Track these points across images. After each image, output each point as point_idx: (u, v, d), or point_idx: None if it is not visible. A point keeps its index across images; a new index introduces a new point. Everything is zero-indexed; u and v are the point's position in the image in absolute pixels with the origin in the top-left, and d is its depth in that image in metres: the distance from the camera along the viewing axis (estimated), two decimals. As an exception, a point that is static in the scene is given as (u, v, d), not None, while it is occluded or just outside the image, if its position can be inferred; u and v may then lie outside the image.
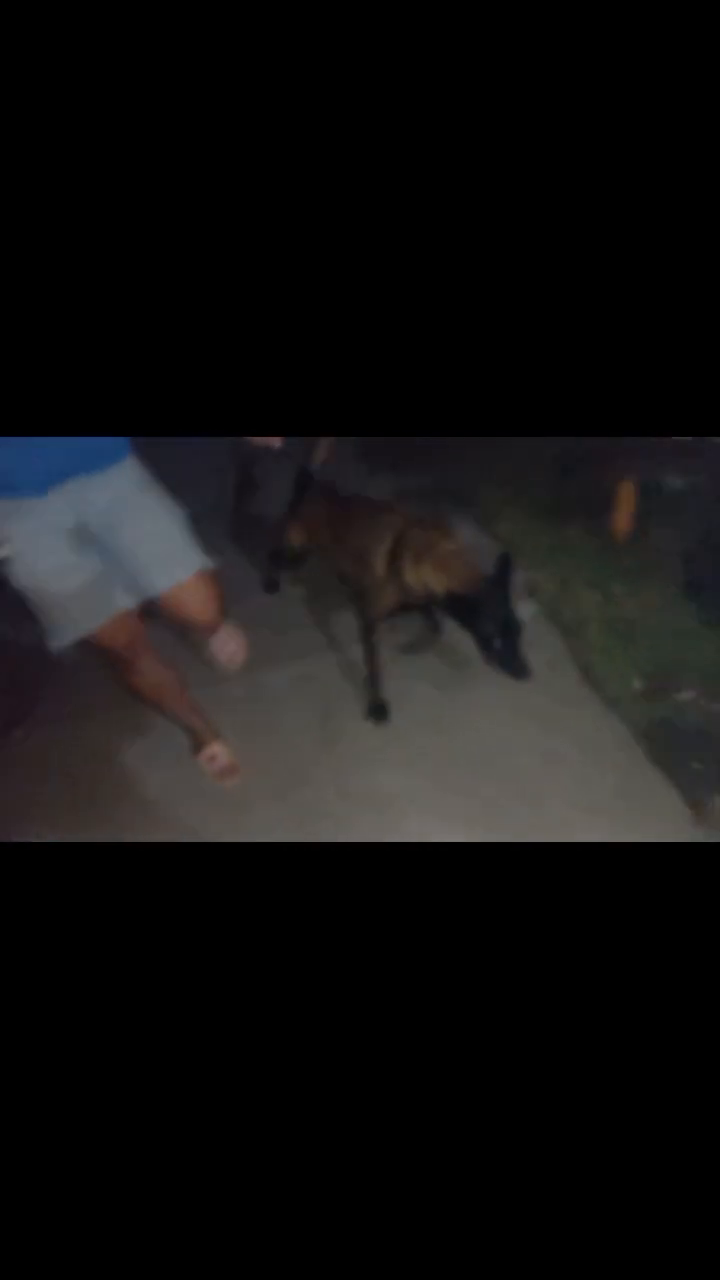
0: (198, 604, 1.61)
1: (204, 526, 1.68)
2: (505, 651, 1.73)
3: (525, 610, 2.64)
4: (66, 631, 1.47)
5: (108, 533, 1.44)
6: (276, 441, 1.52)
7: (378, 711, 2.13)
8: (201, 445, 2.25)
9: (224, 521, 3.03)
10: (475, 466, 3.16)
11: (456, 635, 1.94)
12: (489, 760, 2.02)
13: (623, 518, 2.65)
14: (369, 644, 2.09)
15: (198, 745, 2.04)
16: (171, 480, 1.61)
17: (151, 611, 1.65)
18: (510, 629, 1.72)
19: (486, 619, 1.71)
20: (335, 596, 2.52)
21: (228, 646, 1.89)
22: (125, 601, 1.53)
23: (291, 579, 2.66)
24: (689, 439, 2.51)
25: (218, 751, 2.02)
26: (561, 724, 2.06)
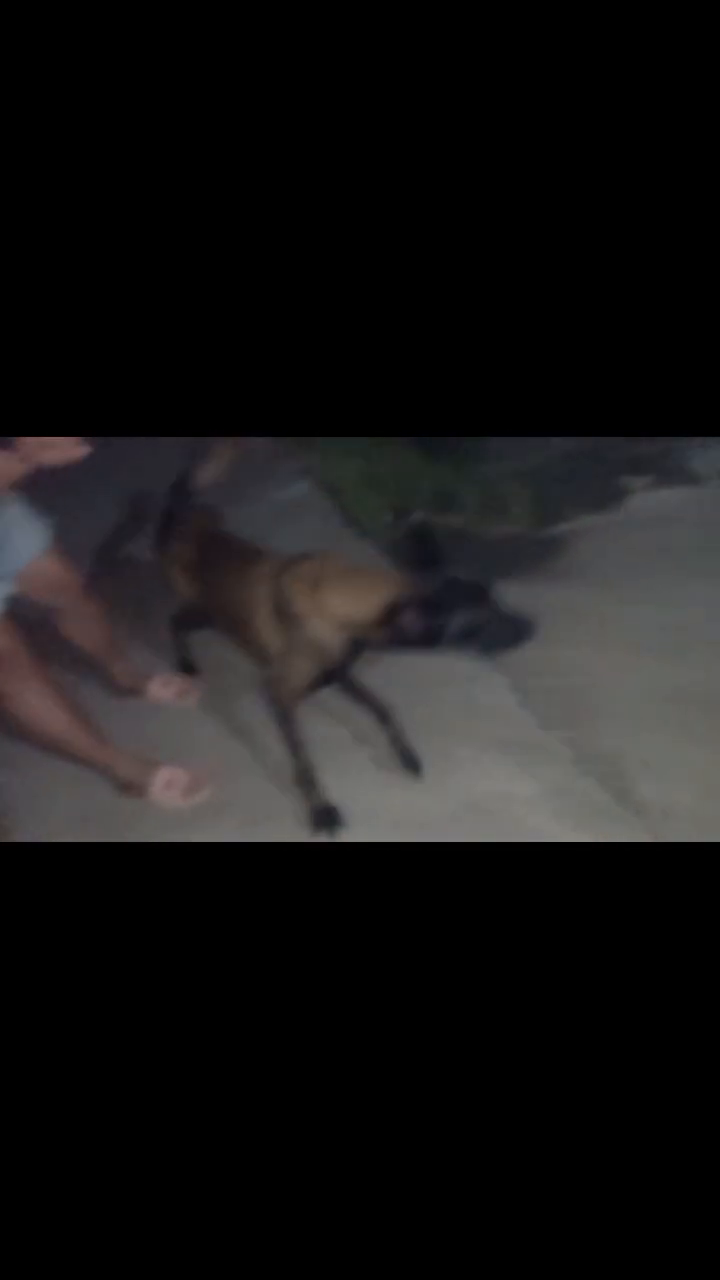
0: (58, 577, 1.57)
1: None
2: (503, 636, 1.26)
3: (298, 490, 2.75)
4: None
5: None
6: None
7: (325, 818, 1.49)
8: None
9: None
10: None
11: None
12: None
13: None
14: (289, 739, 1.48)
15: (139, 789, 1.64)
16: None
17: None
18: (495, 613, 1.23)
19: (458, 614, 1.20)
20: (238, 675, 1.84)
21: (168, 690, 1.82)
22: None
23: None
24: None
25: (171, 777, 1.64)
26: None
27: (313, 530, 2.56)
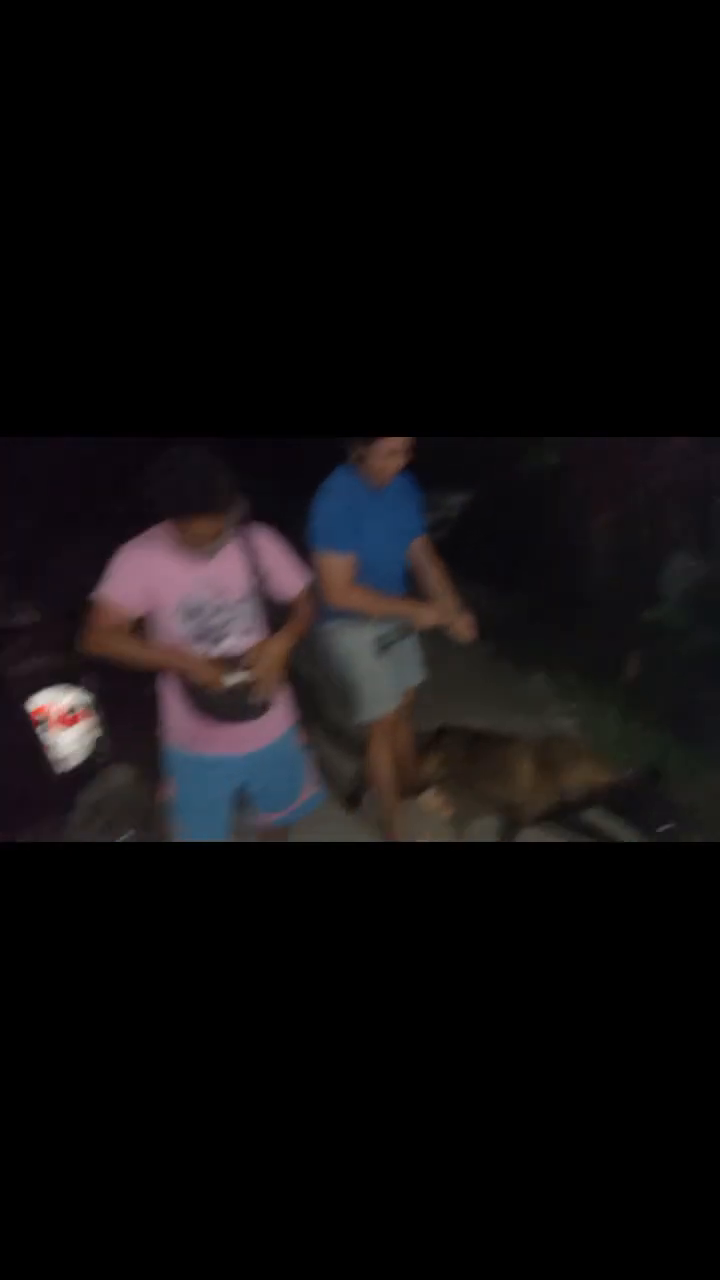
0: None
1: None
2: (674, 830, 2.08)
3: (564, 724, 3.03)
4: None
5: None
6: None
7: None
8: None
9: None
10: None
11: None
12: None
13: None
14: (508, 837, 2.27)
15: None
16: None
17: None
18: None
19: (648, 805, 2.06)
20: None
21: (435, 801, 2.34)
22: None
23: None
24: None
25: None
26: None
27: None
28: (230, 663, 1.47)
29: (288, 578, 1.60)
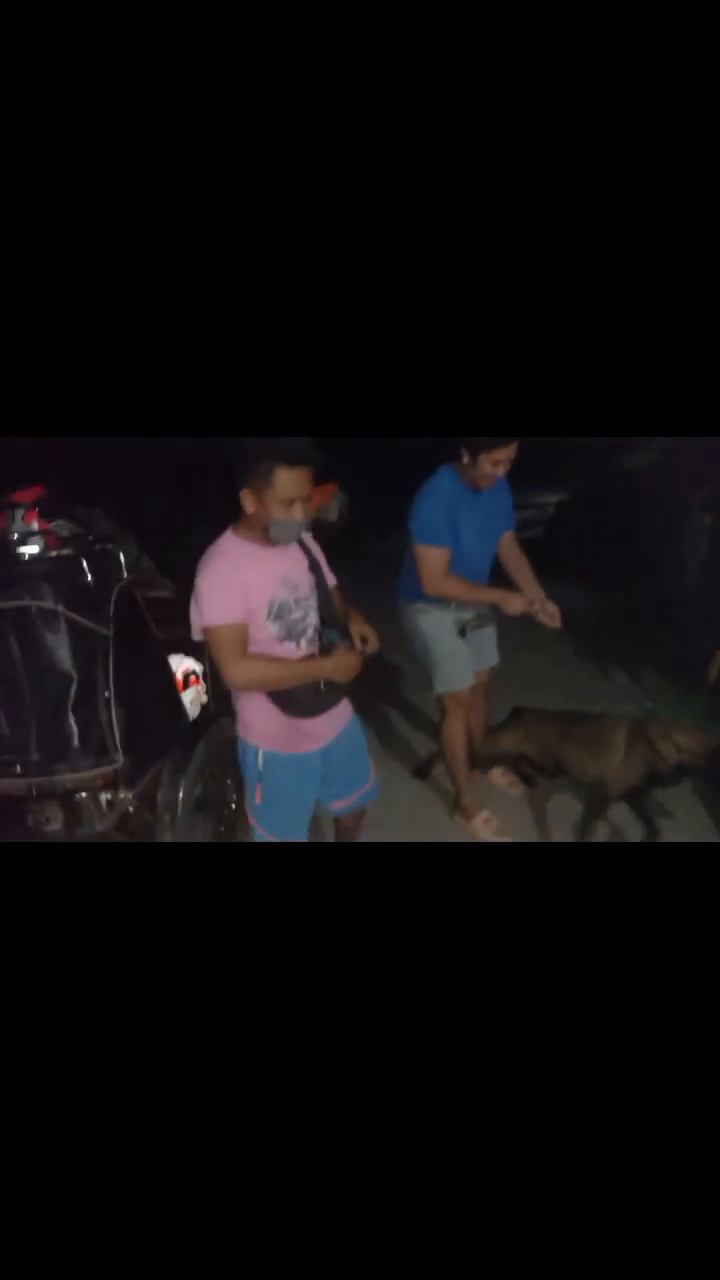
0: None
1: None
2: None
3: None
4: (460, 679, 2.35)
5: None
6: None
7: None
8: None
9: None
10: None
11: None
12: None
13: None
14: (588, 827, 2.36)
15: (466, 812, 2.46)
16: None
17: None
18: None
19: None
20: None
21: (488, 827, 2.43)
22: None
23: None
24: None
25: (489, 816, 2.48)
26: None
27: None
28: (327, 648, 1.56)
29: (328, 567, 1.67)
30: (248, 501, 1.47)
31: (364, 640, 1.65)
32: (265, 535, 1.51)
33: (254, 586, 1.49)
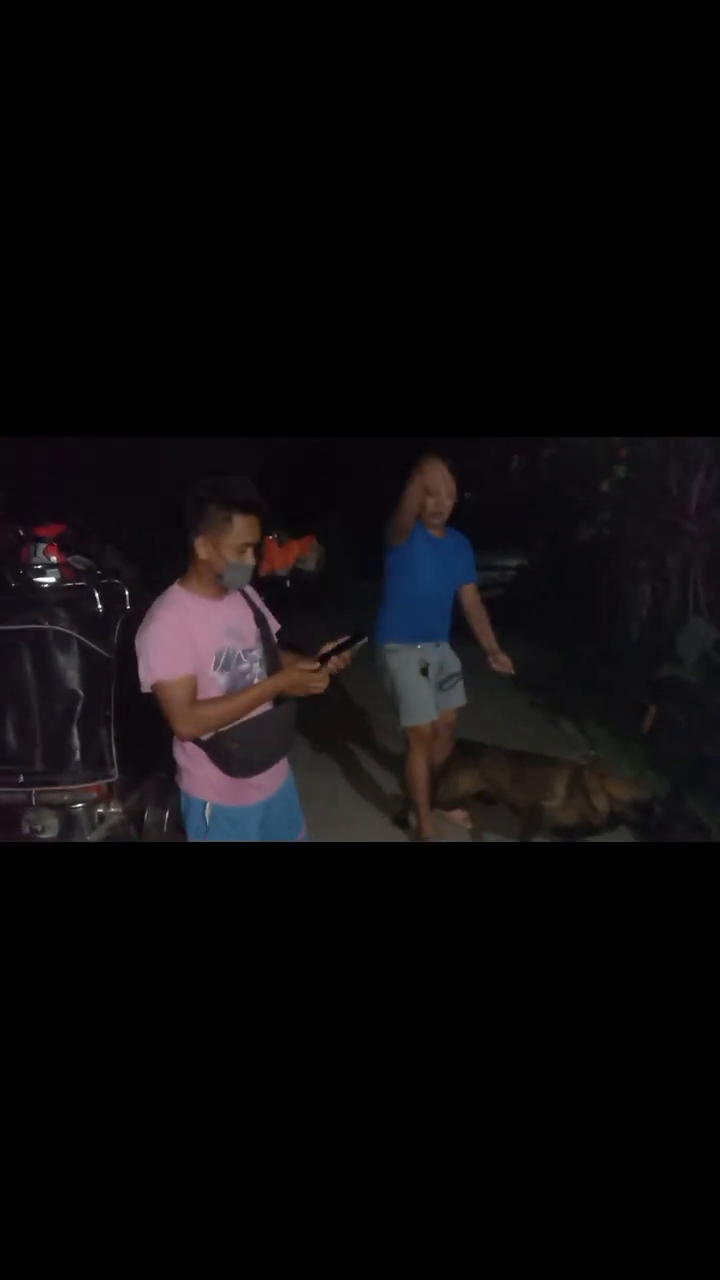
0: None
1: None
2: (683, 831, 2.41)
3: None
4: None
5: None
6: None
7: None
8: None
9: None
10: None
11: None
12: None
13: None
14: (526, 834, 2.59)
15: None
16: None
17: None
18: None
19: (678, 825, 2.39)
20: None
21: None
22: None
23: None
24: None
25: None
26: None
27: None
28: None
29: (271, 616, 1.70)
30: (203, 549, 1.51)
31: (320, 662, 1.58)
32: (213, 585, 1.56)
33: (201, 638, 1.51)
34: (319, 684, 1.56)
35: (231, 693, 1.54)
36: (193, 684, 1.51)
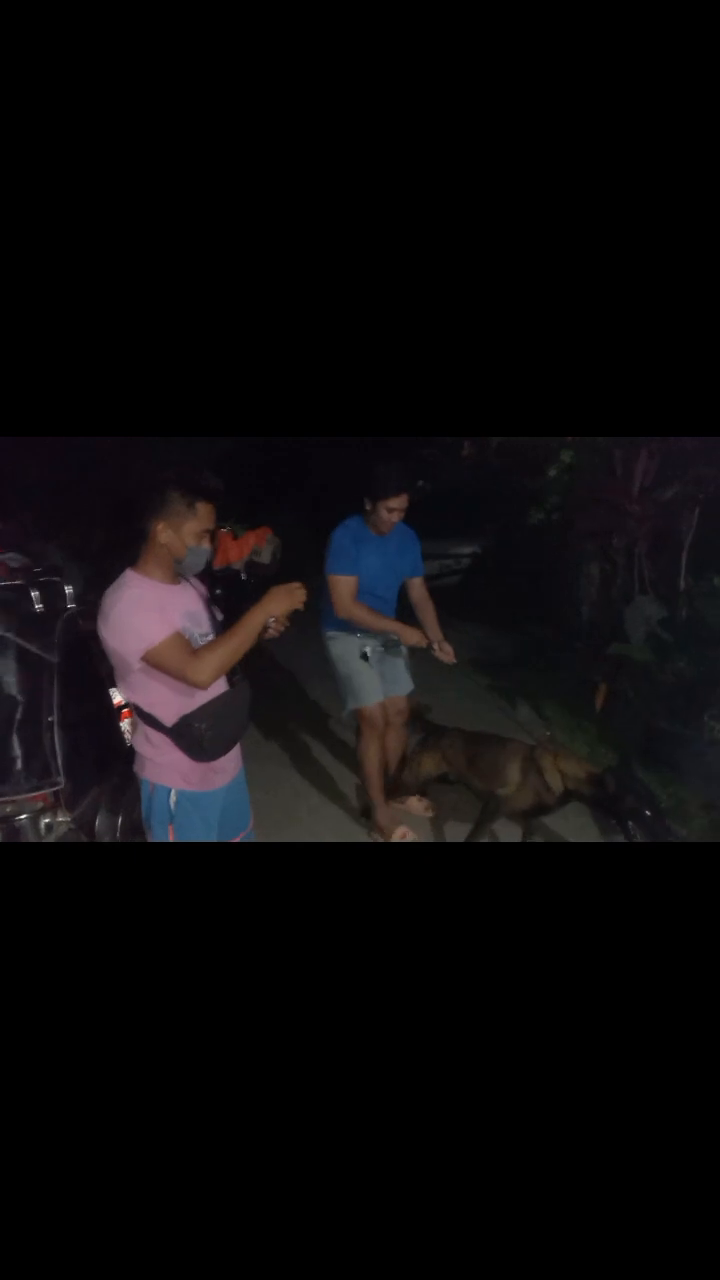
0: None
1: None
2: (653, 819, 2.22)
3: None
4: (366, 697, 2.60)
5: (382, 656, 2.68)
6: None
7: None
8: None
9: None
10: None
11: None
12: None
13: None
14: (480, 828, 2.57)
15: (383, 831, 2.70)
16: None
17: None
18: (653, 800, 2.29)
19: (629, 796, 2.22)
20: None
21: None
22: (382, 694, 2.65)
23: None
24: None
25: (407, 832, 2.70)
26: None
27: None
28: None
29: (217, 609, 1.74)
30: (164, 534, 1.54)
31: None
32: (169, 571, 1.59)
33: (165, 616, 1.53)
34: (300, 594, 1.62)
35: (228, 632, 1.56)
36: (184, 638, 1.53)
